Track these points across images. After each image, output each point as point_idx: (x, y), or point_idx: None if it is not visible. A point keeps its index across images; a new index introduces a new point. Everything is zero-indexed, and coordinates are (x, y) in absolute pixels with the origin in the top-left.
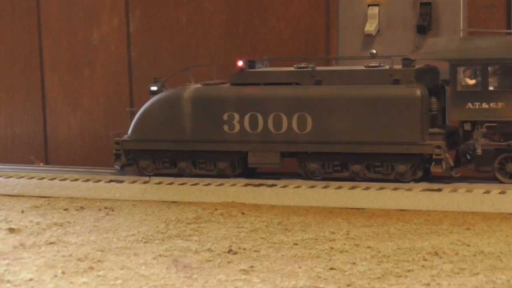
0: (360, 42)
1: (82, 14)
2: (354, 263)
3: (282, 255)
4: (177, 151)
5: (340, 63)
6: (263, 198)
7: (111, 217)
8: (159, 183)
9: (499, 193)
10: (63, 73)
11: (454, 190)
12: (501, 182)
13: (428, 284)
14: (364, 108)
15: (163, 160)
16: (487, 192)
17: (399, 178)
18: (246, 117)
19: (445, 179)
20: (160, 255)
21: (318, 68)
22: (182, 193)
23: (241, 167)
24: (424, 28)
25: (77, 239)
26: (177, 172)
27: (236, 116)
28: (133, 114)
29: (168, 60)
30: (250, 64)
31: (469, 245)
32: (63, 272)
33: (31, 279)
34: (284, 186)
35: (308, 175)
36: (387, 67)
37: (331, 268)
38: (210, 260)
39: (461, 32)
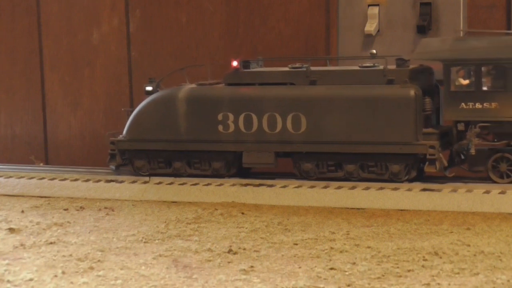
0: (360, 42)
1: (82, 14)
2: (354, 263)
3: (282, 255)
4: (172, 151)
5: (338, 63)
6: (263, 198)
7: (111, 217)
8: (159, 183)
9: (499, 193)
10: (63, 73)
11: (454, 190)
12: (494, 182)
13: (428, 284)
14: (358, 108)
15: (158, 160)
16: (487, 192)
17: (393, 178)
18: (241, 117)
19: (439, 179)
20: (160, 255)
21: (312, 68)
22: (182, 193)
23: (236, 167)
24: (424, 28)
25: (77, 239)
26: (172, 172)
27: (231, 116)
28: (128, 114)
29: (168, 60)
30: (245, 64)
31: (469, 245)
32: (63, 272)
33: (31, 279)
34: (284, 186)
35: (303, 175)
36: (381, 67)
37: (331, 268)
38: (210, 260)
39: (461, 32)
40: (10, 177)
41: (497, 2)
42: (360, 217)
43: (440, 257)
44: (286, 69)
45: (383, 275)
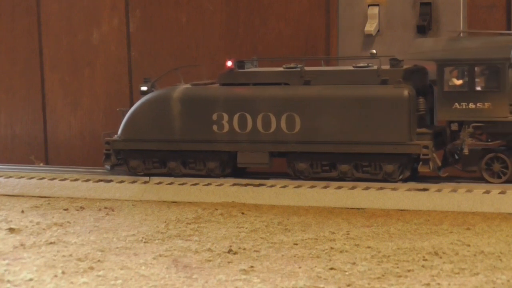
0: (360, 42)
1: (82, 14)
2: (354, 263)
3: (282, 255)
4: (166, 151)
5: (338, 63)
6: (263, 198)
7: (111, 217)
8: (159, 183)
9: (499, 193)
10: (63, 73)
11: (454, 190)
12: (488, 182)
13: (428, 284)
14: (352, 108)
15: (153, 160)
16: (487, 192)
17: (387, 178)
18: (235, 117)
19: (433, 178)
20: (160, 255)
21: (306, 68)
22: (182, 193)
23: (231, 167)
24: (424, 28)
25: (77, 239)
26: (167, 172)
27: (225, 116)
28: (123, 114)
29: (168, 60)
30: (239, 64)
31: (469, 245)
32: (63, 272)
33: (31, 279)
34: (284, 186)
35: (297, 175)
36: (375, 67)
37: (331, 268)
38: (210, 260)
39: (457, 32)
40: (10, 177)
41: (497, 2)
42: (360, 217)
43: (440, 257)
44: (281, 69)
45: (383, 275)
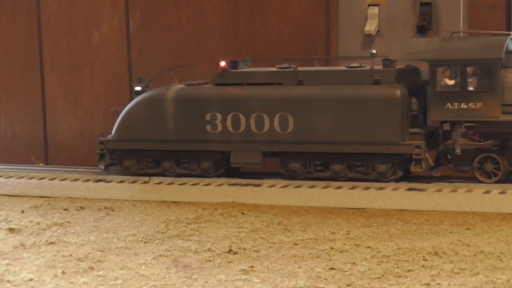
0: (360, 42)
1: (82, 14)
2: (354, 263)
3: (282, 255)
4: (160, 151)
5: (338, 63)
6: (263, 198)
7: (111, 217)
8: (159, 183)
9: (499, 193)
10: (63, 73)
11: (454, 190)
12: (480, 182)
13: (428, 284)
14: (345, 108)
15: (146, 159)
16: (487, 192)
17: (380, 178)
18: (229, 117)
19: (426, 178)
20: (160, 255)
21: (300, 68)
22: (182, 193)
23: (224, 166)
24: (424, 28)
25: (77, 239)
26: (160, 171)
27: (219, 116)
28: (117, 114)
29: (168, 60)
30: (233, 64)
31: (469, 245)
32: (63, 272)
33: (31, 279)
34: (284, 186)
35: (290, 175)
36: (367, 67)
37: (331, 268)
38: (210, 260)
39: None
40: (10, 177)
41: (497, 2)
42: (360, 217)
43: (440, 257)
44: (274, 69)
45: (383, 275)
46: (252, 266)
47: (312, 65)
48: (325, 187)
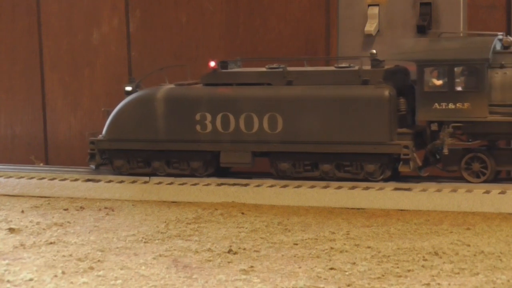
0: (360, 42)
1: (82, 14)
2: (354, 263)
3: (282, 255)
4: (150, 150)
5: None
6: (263, 198)
7: (111, 217)
8: (159, 183)
9: (499, 193)
10: (63, 73)
11: (454, 190)
12: (468, 182)
13: (428, 284)
14: (334, 108)
15: (137, 159)
16: (487, 192)
17: (368, 178)
18: (218, 117)
19: (414, 178)
20: (160, 255)
21: (289, 68)
22: (182, 193)
23: (214, 166)
24: (424, 28)
25: (77, 239)
26: (151, 171)
27: (208, 116)
28: (108, 114)
29: (168, 60)
30: (223, 64)
31: (469, 245)
32: (63, 272)
33: (31, 279)
34: (284, 186)
35: (280, 175)
36: (356, 67)
37: (331, 268)
38: (210, 260)
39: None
40: (10, 177)
41: (497, 2)
42: (360, 217)
43: (440, 257)
44: (263, 69)
45: (383, 275)
46: (252, 266)
47: (313, 65)
48: (325, 187)
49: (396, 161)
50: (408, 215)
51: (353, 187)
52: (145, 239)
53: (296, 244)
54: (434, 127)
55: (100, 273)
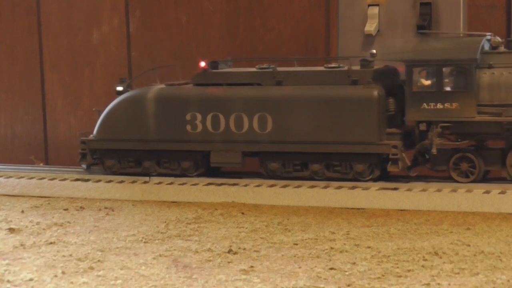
0: (360, 42)
1: (82, 14)
2: (354, 263)
3: (282, 255)
4: (141, 150)
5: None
6: (263, 198)
7: (111, 217)
8: (159, 183)
9: (499, 193)
10: (63, 73)
11: (454, 190)
12: (456, 181)
13: (428, 284)
14: (323, 109)
15: (128, 159)
16: (487, 192)
17: (358, 177)
18: (208, 117)
19: (403, 178)
20: (160, 255)
21: (278, 69)
22: (182, 193)
23: (204, 166)
24: (424, 28)
25: (77, 239)
26: (141, 171)
27: (199, 116)
28: (99, 114)
29: (168, 60)
30: (213, 65)
31: (469, 245)
32: (63, 272)
33: (31, 279)
34: (284, 186)
35: (269, 174)
36: (345, 68)
37: (331, 268)
38: (210, 260)
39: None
40: (10, 177)
41: (497, 2)
42: (360, 217)
43: (440, 257)
44: (253, 69)
45: (383, 275)
46: (252, 266)
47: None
48: (325, 187)
49: (385, 161)
50: (408, 215)
51: (353, 187)
52: (145, 239)
53: (296, 244)
54: (422, 127)
55: (100, 273)
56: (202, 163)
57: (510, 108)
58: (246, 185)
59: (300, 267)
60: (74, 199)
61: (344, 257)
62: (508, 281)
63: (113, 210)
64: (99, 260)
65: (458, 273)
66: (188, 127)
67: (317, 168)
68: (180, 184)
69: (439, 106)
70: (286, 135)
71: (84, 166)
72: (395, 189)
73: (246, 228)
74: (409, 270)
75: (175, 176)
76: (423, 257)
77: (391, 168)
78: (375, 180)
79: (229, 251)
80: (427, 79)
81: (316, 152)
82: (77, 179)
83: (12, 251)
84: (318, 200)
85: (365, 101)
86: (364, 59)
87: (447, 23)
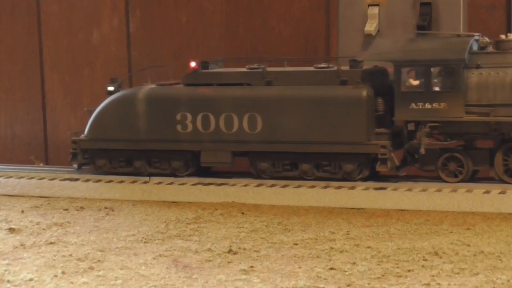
0: (360, 42)
1: (82, 14)
2: (354, 263)
3: (282, 255)
4: (132, 150)
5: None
6: (263, 198)
7: (111, 217)
8: (159, 183)
9: (499, 193)
10: (63, 73)
11: (454, 190)
12: (444, 181)
13: (428, 284)
14: (312, 109)
15: (119, 159)
16: (487, 192)
17: (347, 177)
18: (199, 117)
19: (392, 178)
20: (160, 255)
21: (268, 69)
22: (182, 193)
23: (195, 166)
24: (424, 28)
25: (77, 239)
26: (132, 171)
27: (189, 116)
28: (90, 114)
29: (168, 60)
30: (204, 65)
31: (469, 245)
32: (63, 272)
33: (31, 279)
34: (284, 186)
35: (259, 174)
36: (335, 68)
37: (331, 268)
38: (210, 260)
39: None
40: (10, 177)
41: (497, 2)
42: (360, 217)
43: (440, 257)
44: (244, 69)
45: (383, 275)
46: (252, 266)
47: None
48: (325, 187)
49: (374, 160)
50: (408, 215)
51: (353, 187)
52: (145, 239)
53: (296, 244)
54: (411, 127)
55: (100, 273)
56: (193, 163)
57: (498, 108)
58: (246, 185)
59: (300, 267)
60: (74, 199)
61: (344, 257)
62: (508, 281)
63: (113, 210)
64: (99, 260)
65: (458, 273)
66: (179, 127)
67: (306, 168)
68: (180, 184)
69: (428, 106)
70: (276, 135)
71: (75, 165)
72: (395, 189)
73: (246, 228)
74: (409, 270)
75: (166, 176)
76: (423, 257)
77: (380, 168)
78: (364, 180)
79: (229, 251)
80: (415, 79)
81: (305, 152)
82: (77, 179)
83: (12, 251)
84: (318, 200)
85: (354, 101)
86: (353, 59)
87: (447, 23)
